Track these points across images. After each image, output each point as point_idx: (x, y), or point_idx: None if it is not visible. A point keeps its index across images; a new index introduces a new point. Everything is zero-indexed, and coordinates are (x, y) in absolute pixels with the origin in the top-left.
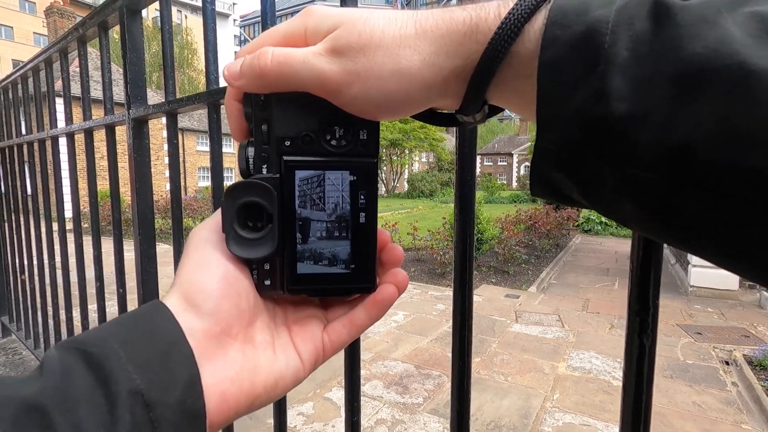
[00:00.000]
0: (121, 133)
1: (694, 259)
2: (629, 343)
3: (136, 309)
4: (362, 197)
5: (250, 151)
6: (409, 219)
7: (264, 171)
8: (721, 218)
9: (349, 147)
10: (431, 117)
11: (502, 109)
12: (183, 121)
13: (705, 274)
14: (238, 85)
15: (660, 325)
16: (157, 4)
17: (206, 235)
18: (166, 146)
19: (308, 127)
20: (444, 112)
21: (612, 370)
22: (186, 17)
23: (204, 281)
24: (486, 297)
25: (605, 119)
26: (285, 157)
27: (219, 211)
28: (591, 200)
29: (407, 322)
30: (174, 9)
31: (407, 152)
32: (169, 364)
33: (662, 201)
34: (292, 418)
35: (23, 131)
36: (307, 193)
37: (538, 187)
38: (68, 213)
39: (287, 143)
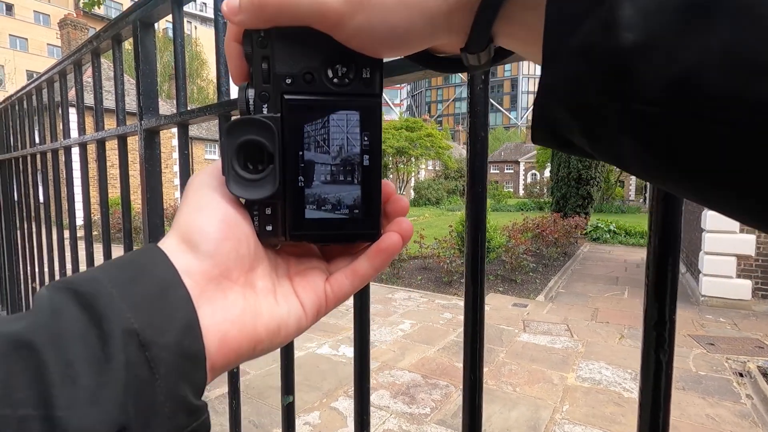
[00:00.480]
0: (133, 141)
1: (705, 268)
2: (645, 359)
3: (130, 252)
4: (366, 138)
5: (250, 92)
6: (415, 227)
7: (265, 111)
8: (723, 151)
9: (352, 85)
10: (436, 62)
11: (507, 55)
12: (192, 130)
13: (717, 284)
14: (238, 20)
15: None
16: (169, 16)
17: (205, 179)
18: (175, 155)
19: (310, 64)
20: (447, 56)
21: (623, 381)
22: (195, 28)
23: (203, 222)
24: (493, 306)
25: (612, 51)
26: (286, 96)
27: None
28: (591, 140)
29: (414, 330)
30: (184, 20)
31: (413, 160)
32: (164, 306)
33: (664, 136)
34: (299, 427)
35: (36, 141)
36: (310, 134)
37: (540, 130)
38: (79, 221)
39: (288, 81)
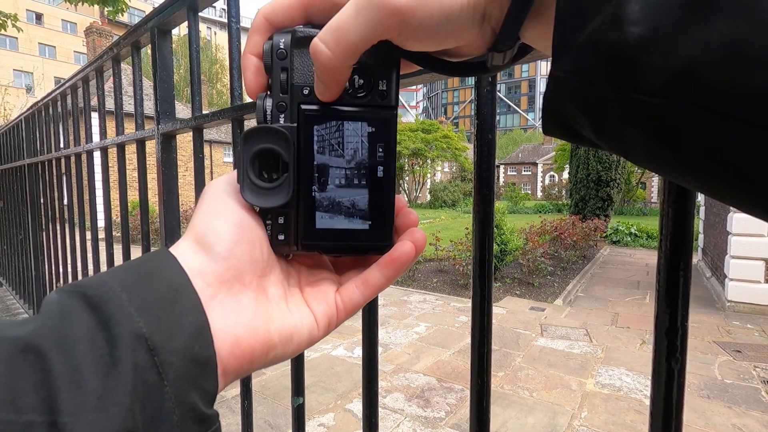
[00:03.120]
0: (152, 146)
1: (731, 273)
2: (657, 367)
3: (142, 255)
4: (380, 150)
5: (268, 102)
6: (431, 229)
7: (282, 121)
8: (724, 141)
9: (368, 97)
10: (454, 67)
11: (527, 53)
12: (211, 134)
13: (744, 289)
14: (327, 59)
15: (695, 342)
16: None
17: (222, 186)
18: None
19: None
20: (465, 61)
21: (644, 388)
22: (215, 34)
23: (217, 226)
24: (510, 309)
25: (618, 44)
26: (302, 106)
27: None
28: (598, 132)
29: (429, 334)
30: (204, 26)
31: (429, 162)
32: (174, 310)
33: (668, 127)
34: (313, 429)
35: (61, 145)
36: (325, 138)
37: (550, 122)
38: (101, 223)
39: (305, 92)
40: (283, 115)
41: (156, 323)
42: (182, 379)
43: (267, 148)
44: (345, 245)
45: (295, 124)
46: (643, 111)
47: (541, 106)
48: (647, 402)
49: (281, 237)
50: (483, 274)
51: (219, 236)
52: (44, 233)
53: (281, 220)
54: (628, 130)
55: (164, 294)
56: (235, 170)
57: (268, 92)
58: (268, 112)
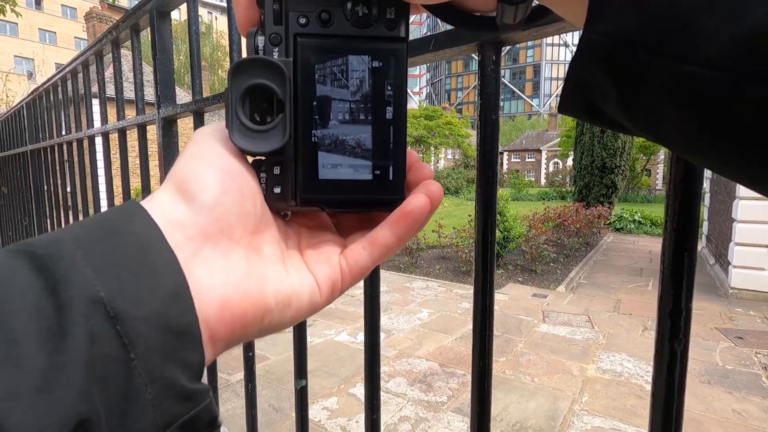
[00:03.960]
0: (153, 131)
1: (735, 260)
2: (659, 348)
3: (106, 210)
4: (389, 88)
5: (260, 38)
6: (434, 216)
7: (276, 55)
8: None
9: (374, 27)
10: (464, 19)
11: (541, 17)
12: (213, 119)
13: (747, 276)
14: None
15: (698, 328)
16: (186, 6)
17: (209, 131)
18: None
19: (326, 2)
20: (477, 15)
21: (645, 374)
22: (216, 19)
23: (202, 171)
24: (512, 296)
25: (670, 5)
26: (299, 38)
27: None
28: (627, 107)
29: (431, 320)
30: (205, 11)
31: (432, 149)
32: (143, 270)
33: (719, 104)
34: (317, 412)
35: (63, 131)
36: (326, 81)
37: (571, 97)
38: (104, 209)
39: (302, 21)
40: (277, 49)
41: (118, 286)
42: (155, 350)
43: (259, 84)
44: (350, 199)
45: (291, 58)
46: (690, 85)
47: (565, 76)
48: (648, 387)
49: (277, 190)
50: (485, 257)
51: (203, 183)
52: (48, 220)
53: (277, 171)
54: (666, 106)
55: (130, 252)
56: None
57: (260, 27)
58: (260, 47)
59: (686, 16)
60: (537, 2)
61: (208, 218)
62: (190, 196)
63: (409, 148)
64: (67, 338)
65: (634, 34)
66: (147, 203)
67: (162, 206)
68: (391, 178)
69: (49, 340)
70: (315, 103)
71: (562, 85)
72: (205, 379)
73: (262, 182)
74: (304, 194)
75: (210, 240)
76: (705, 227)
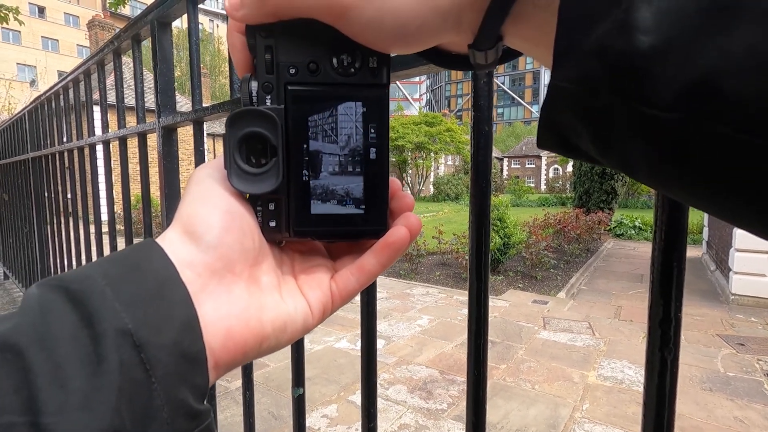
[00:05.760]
0: (153, 139)
1: (735, 266)
2: (650, 357)
3: (127, 247)
4: (372, 131)
5: (254, 84)
6: (434, 222)
7: (268, 102)
8: (744, 159)
9: (358, 75)
10: (441, 58)
11: (516, 55)
12: (214, 127)
13: (748, 282)
14: (240, 15)
15: (699, 335)
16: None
17: (209, 171)
18: None
19: (314, 53)
20: (453, 53)
21: None
22: (218, 26)
23: (206, 213)
24: (513, 302)
25: (627, 53)
26: (289, 86)
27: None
28: (599, 145)
29: (432, 326)
30: (206, 18)
31: (433, 155)
32: (161, 304)
33: (679, 143)
34: (316, 420)
35: (64, 139)
36: (315, 126)
37: (546, 134)
38: (104, 216)
39: (292, 71)
40: (269, 97)
41: (142, 318)
42: (171, 375)
43: (253, 132)
44: (339, 230)
45: (282, 106)
46: (652, 125)
47: (539, 116)
48: None
49: (272, 224)
50: (479, 266)
51: (208, 224)
52: (49, 227)
53: (272, 206)
54: (633, 145)
55: (151, 287)
56: (223, 155)
57: (253, 72)
58: (254, 93)
59: (641, 64)
60: (506, 45)
61: (214, 256)
62: (197, 237)
63: (393, 177)
64: (103, 364)
65: (597, 78)
66: (160, 241)
67: (173, 246)
68: (375, 211)
69: (88, 365)
70: (305, 146)
71: (538, 122)
72: None
73: (259, 216)
74: (297, 227)
75: (215, 275)
76: (705, 233)
